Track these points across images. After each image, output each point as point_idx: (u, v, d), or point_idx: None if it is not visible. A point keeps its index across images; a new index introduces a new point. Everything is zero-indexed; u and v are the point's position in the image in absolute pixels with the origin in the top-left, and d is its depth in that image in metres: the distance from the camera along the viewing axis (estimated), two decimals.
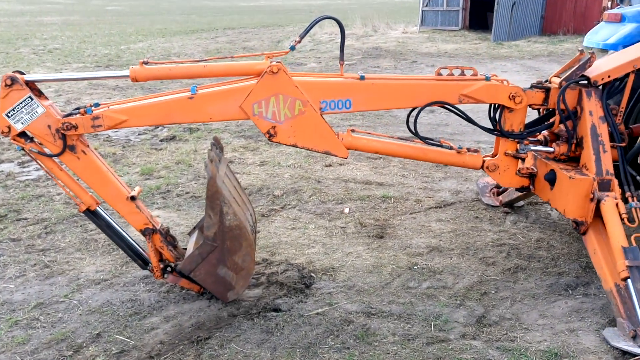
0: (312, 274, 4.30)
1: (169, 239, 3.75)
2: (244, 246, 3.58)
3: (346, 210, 5.52)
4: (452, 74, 3.98)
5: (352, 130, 3.94)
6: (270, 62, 3.51)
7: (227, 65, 3.57)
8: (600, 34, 4.77)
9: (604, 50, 4.62)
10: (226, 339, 3.52)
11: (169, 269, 3.79)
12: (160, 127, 8.93)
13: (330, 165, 6.93)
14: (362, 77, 3.75)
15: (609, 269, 3.64)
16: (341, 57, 3.81)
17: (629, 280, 3.41)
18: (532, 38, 21.15)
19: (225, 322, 3.70)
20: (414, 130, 4.06)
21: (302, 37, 3.63)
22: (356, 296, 4.01)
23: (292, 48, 3.65)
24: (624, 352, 3.29)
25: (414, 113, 3.96)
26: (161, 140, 8.28)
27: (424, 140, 4.05)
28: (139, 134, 8.67)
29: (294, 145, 3.68)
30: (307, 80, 3.68)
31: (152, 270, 3.77)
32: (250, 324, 3.68)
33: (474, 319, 3.76)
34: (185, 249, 3.92)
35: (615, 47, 4.51)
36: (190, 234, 4.23)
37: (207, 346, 3.46)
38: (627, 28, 4.56)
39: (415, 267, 4.42)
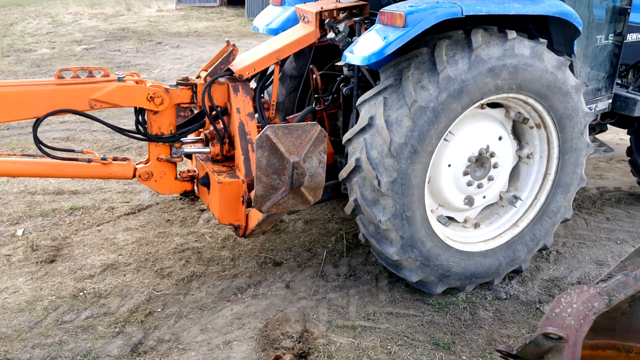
0: None
1: None
2: None
3: (19, 233, 4.77)
4: (78, 77, 3.49)
5: None
6: None
7: None
8: (265, 17, 4.66)
9: (270, 35, 4.52)
10: None
11: None
12: None
13: None
14: None
15: None
16: None
17: None
18: None
19: None
20: (39, 144, 3.49)
21: None
22: None
23: None
24: None
25: (46, 121, 3.39)
26: None
27: (51, 155, 3.52)
28: None
29: None
30: None
31: None
32: None
33: (129, 348, 3.41)
34: None
35: (276, 32, 4.42)
36: None
37: None
38: (288, 12, 4.50)
39: (81, 294, 3.92)
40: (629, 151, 5.44)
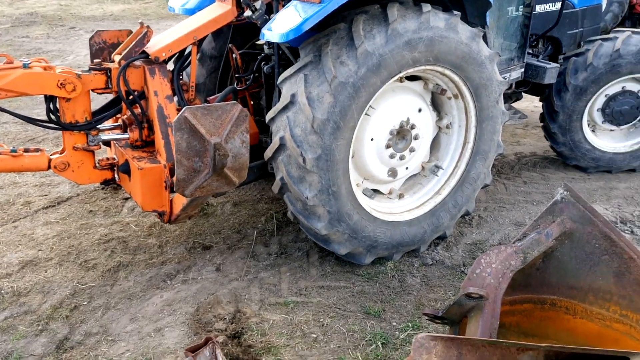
0: None
1: None
2: None
3: None
4: None
5: None
6: None
7: None
8: None
9: (187, 15, 4.39)
10: None
11: None
12: None
13: None
14: None
15: None
16: None
17: None
18: None
19: None
20: None
21: None
22: None
23: None
24: None
25: None
26: None
27: None
28: None
29: None
30: None
31: None
32: None
33: (54, 345, 3.29)
34: None
35: (193, 11, 4.30)
36: None
37: None
38: None
39: None
40: (542, 117, 5.71)
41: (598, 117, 5.50)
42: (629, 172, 5.66)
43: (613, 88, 5.34)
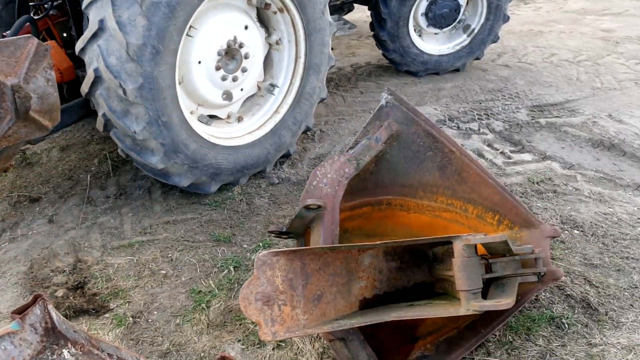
0: None
1: None
2: None
3: None
4: None
5: None
6: None
7: None
8: None
9: None
10: None
11: None
12: None
13: None
14: None
15: None
16: None
17: None
18: None
19: None
20: None
21: None
22: None
23: None
24: None
25: None
26: None
27: None
28: None
29: None
30: None
31: None
32: None
33: None
34: None
35: None
36: None
37: None
38: None
39: None
40: (371, 26, 5.83)
41: (422, 21, 5.73)
42: (454, 73, 6.05)
43: None
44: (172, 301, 3.06)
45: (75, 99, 3.73)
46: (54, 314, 2.38)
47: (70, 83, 3.79)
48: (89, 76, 3.20)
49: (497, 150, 4.50)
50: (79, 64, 3.79)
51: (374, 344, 2.64)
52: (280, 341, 2.75)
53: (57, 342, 2.47)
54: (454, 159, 2.83)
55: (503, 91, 5.62)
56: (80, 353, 2.41)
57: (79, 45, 3.23)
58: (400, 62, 5.84)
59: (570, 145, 4.56)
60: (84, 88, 3.30)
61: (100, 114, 3.33)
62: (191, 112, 3.72)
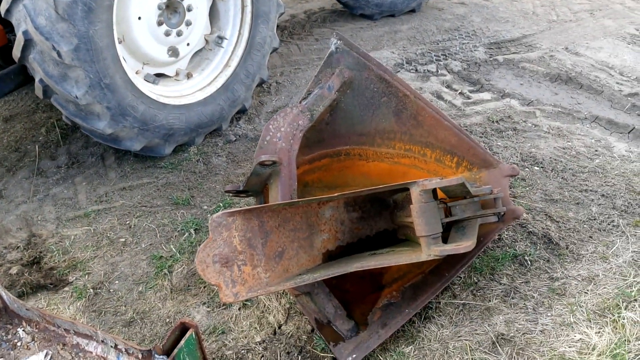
0: None
1: None
2: None
3: None
4: None
5: None
6: None
7: None
8: None
9: None
10: None
11: None
12: None
13: None
14: None
15: None
16: None
17: None
18: None
19: None
20: None
21: None
22: None
23: None
24: None
25: None
26: None
27: None
28: None
29: None
30: None
31: None
32: None
33: None
34: None
35: None
36: None
37: None
38: None
39: None
40: None
41: None
42: (410, 14, 5.90)
43: None
44: (133, 269, 2.99)
45: (10, 65, 3.51)
46: (4, 293, 2.29)
47: (2, 48, 3.55)
48: (19, 40, 3.00)
49: (456, 91, 4.45)
50: (10, 27, 3.56)
51: (340, 295, 2.63)
52: (246, 301, 2.72)
53: (11, 321, 2.40)
54: (408, 103, 2.76)
55: (460, 30, 5.53)
56: (36, 330, 2.34)
57: (3, 6, 3.00)
58: (354, 6, 5.67)
59: (528, 81, 4.54)
60: (16, 52, 3.09)
61: (37, 79, 3.14)
62: (136, 72, 3.54)
